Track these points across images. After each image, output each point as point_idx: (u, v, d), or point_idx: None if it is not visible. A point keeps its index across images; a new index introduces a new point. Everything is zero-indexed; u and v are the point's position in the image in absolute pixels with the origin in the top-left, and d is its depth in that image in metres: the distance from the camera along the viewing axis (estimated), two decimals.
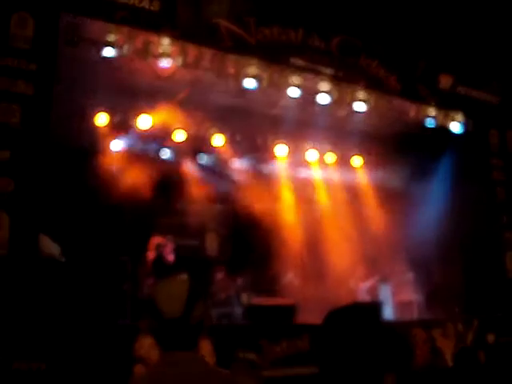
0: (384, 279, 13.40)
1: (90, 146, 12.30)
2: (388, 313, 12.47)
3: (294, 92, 10.87)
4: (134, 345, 7.47)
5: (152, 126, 12.29)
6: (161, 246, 11.59)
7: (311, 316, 11.94)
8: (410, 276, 13.37)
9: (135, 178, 12.75)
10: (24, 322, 7.16)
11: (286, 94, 11.27)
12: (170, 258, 11.55)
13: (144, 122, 12.06)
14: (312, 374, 8.76)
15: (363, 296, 13.01)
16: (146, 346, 8.16)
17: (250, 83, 10.42)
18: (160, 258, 11.38)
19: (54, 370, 6.70)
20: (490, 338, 10.71)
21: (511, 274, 12.53)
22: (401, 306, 13.11)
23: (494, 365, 9.78)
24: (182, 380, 1.83)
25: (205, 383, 1.85)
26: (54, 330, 7.12)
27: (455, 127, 12.51)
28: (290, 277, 13.18)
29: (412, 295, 13.05)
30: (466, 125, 12.66)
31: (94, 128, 11.95)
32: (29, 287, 7.48)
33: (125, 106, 11.99)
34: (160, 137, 13.07)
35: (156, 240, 11.80)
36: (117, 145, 12.83)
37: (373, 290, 13.26)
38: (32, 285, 7.56)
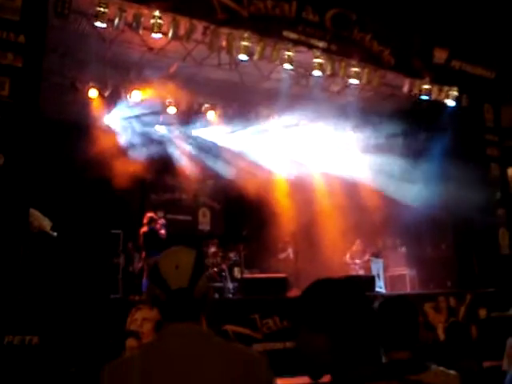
0: (377, 254, 13.44)
1: (80, 119, 12.20)
2: (380, 287, 12.53)
3: (286, 65, 10.76)
4: (127, 319, 7.48)
5: (143, 100, 12.18)
6: (153, 221, 11.56)
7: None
8: (402, 251, 13.42)
9: (126, 152, 12.69)
10: (16, 296, 7.13)
11: (278, 67, 11.18)
12: (162, 232, 11.53)
13: (135, 95, 11.95)
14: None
15: (356, 270, 13.06)
16: (139, 320, 8.16)
17: (242, 56, 10.31)
18: (152, 232, 11.35)
19: (47, 343, 6.69)
20: (482, 312, 10.76)
21: (504, 249, 12.57)
22: (393, 280, 13.18)
23: (485, 339, 9.87)
24: (189, 351, 1.80)
25: (213, 354, 1.82)
26: (47, 304, 7.10)
27: (450, 102, 12.44)
28: (285, 251, 13.18)
29: (404, 270, 13.11)
30: (460, 99, 12.59)
31: (85, 101, 11.84)
32: (20, 261, 7.45)
33: (116, 80, 11.87)
34: (152, 111, 12.96)
35: (148, 215, 11.77)
36: (108, 119, 12.73)
37: (366, 265, 13.31)
38: (23, 259, 7.53)
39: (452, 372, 2.73)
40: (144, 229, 11.41)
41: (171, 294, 1.84)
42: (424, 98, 12.27)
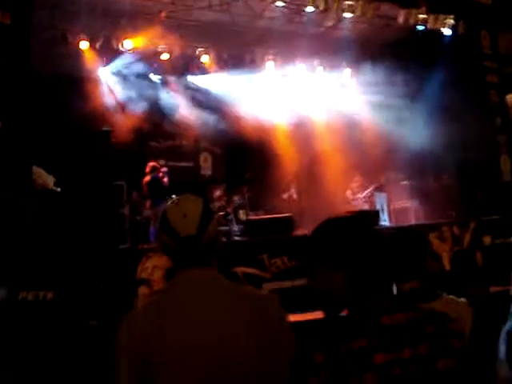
0: (380, 188, 13.49)
1: (74, 72, 12.08)
2: (385, 220, 12.63)
3: (279, 3, 10.57)
4: (137, 267, 7.59)
5: (136, 48, 12.02)
6: (155, 170, 11.58)
7: (310, 228, 12.15)
8: (405, 184, 13.46)
9: (122, 103, 12.61)
10: (26, 253, 7.23)
11: (271, 5, 10.99)
12: (165, 180, 11.57)
13: (127, 44, 11.78)
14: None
15: (360, 205, 13.13)
16: (150, 268, 8.27)
17: None
18: (155, 181, 11.39)
19: (62, 297, 6.80)
20: (487, 239, 10.88)
21: (506, 176, 12.61)
22: (397, 212, 13.27)
23: (491, 266, 10.01)
24: (201, 295, 1.85)
25: (225, 298, 1.87)
26: (58, 259, 7.20)
27: (446, 31, 12.26)
28: (289, 191, 13.23)
29: (408, 202, 13.18)
30: (456, 28, 12.39)
31: (77, 54, 11.68)
32: (27, 219, 7.52)
33: (107, 30, 11.69)
34: (146, 58, 12.81)
35: (150, 164, 11.78)
36: (102, 70, 12.60)
37: (369, 199, 13.38)
38: (29, 217, 7.59)
39: (462, 299, 2.79)
40: (147, 178, 11.45)
41: (181, 242, 1.88)
42: (420, 27, 12.08)
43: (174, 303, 1.87)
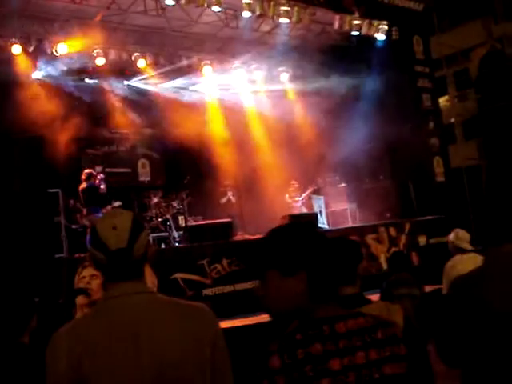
0: (317, 191, 13.66)
1: (6, 77, 11.74)
2: (323, 223, 12.79)
3: (215, 8, 10.57)
4: (74, 277, 7.43)
5: (70, 53, 11.78)
6: (91, 177, 11.35)
7: (250, 232, 12.17)
8: (342, 186, 13.67)
9: (57, 109, 12.32)
10: None
11: (207, 10, 10.98)
12: (102, 187, 11.36)
13: (61, 48, 11.52)
14: (253, 289, 8.98)
15: (298, 209, 13.26)
16: (87, 277, 8.10)
17: (168, 1, 10.08)
18: (92, 188, 11.17)
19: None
20: (422, 239, 11.17)
21: (439, 177, 12.98)
22: (335, 215, 13.46)
23: (426, 265, 10.27)
24: (132, 310, 1.82)
25: (159, 312, 1.85)
26: None
27: (380, 36, 12.54)
28: (227, 196, 13.23)
29: (345, 204, 13.40)
30: (390, 33, 12.69)
31: (9, 58, 11.36)
32: None
33: (40, 34, 11.40)
34: (80, 63, 12.56)
35: (86, 171, 11.55)
36: (35, 75, 12.28)
37: (307, 203, 13.52)
38: None
39: (394, 304, 2.85)
40: (83, 185, 11.21)
41: (111, 255, 1.85)
42: (355, 33, 12.32)
43: (104, 320, 1.83)
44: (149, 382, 1.74)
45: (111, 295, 1.87)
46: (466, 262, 4.64)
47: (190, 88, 14.50)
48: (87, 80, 13.19)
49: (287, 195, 13.64)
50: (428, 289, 6.58)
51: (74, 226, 10.93)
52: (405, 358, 1.58)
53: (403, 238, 10.93)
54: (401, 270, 5.37)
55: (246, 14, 11.04)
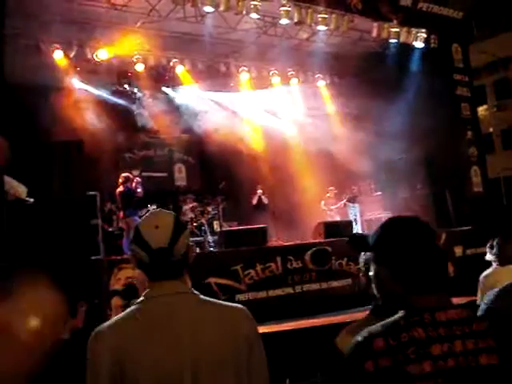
0: (353, 199, 13.60)
1: (47, 82, 11.99)
2: (358, 231, 12.72)
3: (253, 15, 10.64)
4: (110, 278, 7.54)
5: (111, 58, 11.99)
6: (128, 180, 11.52)
7: (285, 238, 12.18)
8: (377, 195, 13.59)
9: (96, 113, 12.53)
10: None
11: (245, 17, 11.06)
12: (139, 191, 11.51)
13: (102, 54, 11.74)
14: (286, 295, 8.98)
15: (333, 216, 13.22)
16: (123, 279, 8.23)
17: (207, 8, 10.18)
18: (128, 191, 11.34)
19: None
20: (458, 250, 11.01)
21: (477, 187, 12.80)
22: (370, 223, 13.38)
23: (462, 276, 10.12)
24: (175, 308, 1.87)
25: (199, 312, 1.89)
26: (30, 271, 7.10)
27: (418, 44, 12.45)
28: (257, 195, 13.23)
29: (380, 213, 13.30)
30: (428, 41, 12.58)
31: (51, 63, 11.60)
32: None
33: (81, 39, 11.63)
34: (120, 69, 12.77)
35: (123, 174, 11.72)
36: (76, 79, 12.52)
37: (342, 210, 13.48)
38: (1, 227, 7.49)
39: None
40: (120, 189, 11.39)
41: (152, 254, 1.90)
42: (393, 41, 12.26)
43: (145, 317, 1.88)
44: (188, 381, 1.78)
45: (152, 294, 1.93)
46: (503, 274, 4.57)
47: (227, 95, 14.63)
48: (126, 85, 13.39)
49: (323, 202, 13.62)
50: (463, 300, 6.52)
51: (110, 229, 11.10)
52: (495, 350, 1.62)
53: None
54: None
55: (284, 21, 11.08)
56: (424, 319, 1.63)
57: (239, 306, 2.03)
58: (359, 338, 1.64)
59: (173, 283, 1.93)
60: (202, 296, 2.01)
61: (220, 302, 2.04)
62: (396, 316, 1.67)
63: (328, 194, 13.70)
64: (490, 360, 1.60)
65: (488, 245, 5.14)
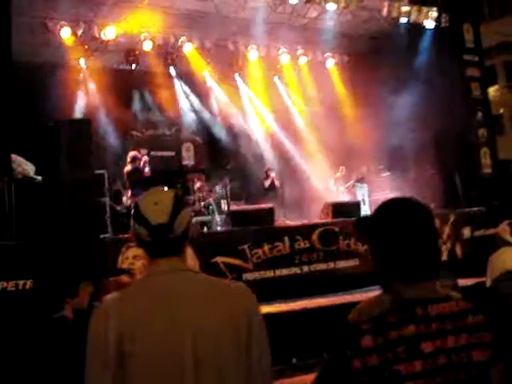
0: (361, 179, 13.56)
1: (55, 59, 11.96)
2: (366, 211, 12.68)
3: None
4: (118, 257, 7.55)
5: (118, 36, 11.91)
6: (136, 159, 11.53)
7: (291, 218, 12.18)
8: (386, 175, 13.53)
9: (103, 92, 12.50)
10: (7, 242, 7.17)
11: None
12: (146, 170, 11.53)
13: (109, 32, 11.66)
14: (294, 275, 9.00)
15: (341, 195, 13.18)
16: (130, 258, 8.23)
17: None
18: (136, 170, 11.35)
19: (41, 286, 6.76)
20: (466, 232, 10.97)
21: (486, 168, 12.72)
22: (378, 204, 13.30)
23: (471, 258, 10.10)
24: (171, 286, 1.87)
25: (196, 288, 1.89)
26: (38, 248, 7.15)
27: (429, 23, 12.30)
28: (270, 178, 13.19)
29: (389, 193, 13.24)
30: (439, 20, 12.43)
31: (58, 42, 11.55)
32: (6, 207, 7.45)
33: (88, 17, 11.54)
34: (128, 47, 12.70)
35: (131, 153, 11.73)
36: (83, 57, 12.46)
37: (351, 190, 13.44)
38: (9, 204, 7.52)
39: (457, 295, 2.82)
40: (128, 167, 11.40)
41: (152, 230, 1.89)
42: (403, 20, 12.12)
43: (144, 295, 1.89)
44: (189, 356, 1.78)
45: (151, 272, 1.93)
46: None
47: (234, 74, 14.58)
48: (134, 64, 13.32)
49: (332, 181, 13.57)
50: (471, 281, 6.50)
51: (118, 208, 11.12)
52: (491, 345, 1.60)
53: (447, 230, 10.75)
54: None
55: None
56: (416, 314, 1.59)
57: (239, 283, 2.03)
58: (347, 333, 1.62)
59: (172, 260, 1.93)
60: (200, 273, 2.01)
61: (219, 279, 2.04)
62: (385, 304, 1.63)
63: (338, 174, 13.64)
64: (483, 356, 1.57)
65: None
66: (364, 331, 1.58)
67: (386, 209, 1.79)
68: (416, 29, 12.49)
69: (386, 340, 1.55)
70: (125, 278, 6.13)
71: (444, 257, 9.69)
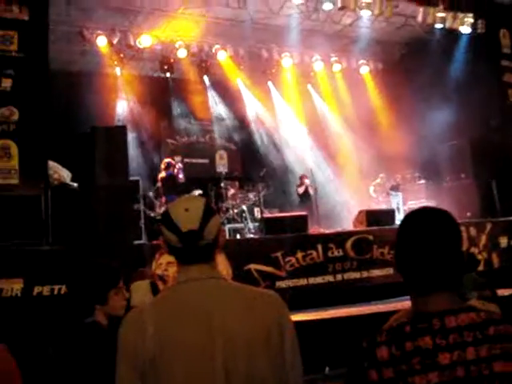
0: (396, 187, 13.43)
1: (91, 67, 12.15)
2: (400, 219, 12.55)
3: (296, 0, 10.55)
4: (152, 263, 7.61)
5: (153, 45, 12.05)
6: (170, 166, 11.62)
7: (325, 225, 12.11)
8: (421, 183, 13.38)
9: (139, 99, 12.64)
10: (41, 247, 7.28)
11: (288, 2, 10.97)
12: (180, 177, 11.61)
13: (145, 40, 11.81)
14: (327, 283, 8.94)
15: (378, 204, 13.05)
16: (164, 264, 8.30)
17: None
18: (170, 177, 11.44)
19: (75, 291, 6.83)
20: (503, 241, 10.77)
21: None
22: None
23: (508, 267, 9.91)
24: (203, 293, 1.86)
25: (227, 296, 1.88)
26: (72, 253, 7.23)
27: (464, 29, 12.15)
28: (304, 185, 13.15)
29: (424, 201, 13.09)
30: (475, 26, 12.27)
31: (94, 50, 11.74)
32: (42, 214, 7.56)
33: (124, 26, 11.71)
34: (162, 55, 12.83)
35: (166, 160, 11.84)
36: (119, 66, 12.63)
37: (385, 199, 13.31)
38: (45, 210, 7.64)
39: (492, 304, 2.77)
40: (162, 174, 11.50)
41: (182, 237, 1.88)
42: (438, 26, 12.00)
43: (175, 302, 1.88)
44: (220, 365, 1.76)
45: (181, 279, 1.92)
46: None
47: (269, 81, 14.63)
48: (169, 72, 13.45)
49: (372, 188, 13.45)
50: (508, 292, 6.38)
51: (152, 214, 11.20)
52: None
53: (483, 239, 10.57)
54: (468, 271, 5.18)
55: (328, 6, 10.94)
56: (433, 326, 1.55)
57: (270, 291, 2.00)
58: (364, 344, 1.59)
59: (203, 267, 1.92)
60: (231, 281, 2.00)
61: (250, 287, 2.02)
62: (401, 316, 1.60)
63: (378, 181, 13.50)
64: (507, 367, 1.51)
65: None
66: (380, 343, 1.56)
67: (403, 219, 1.75)
68: (451, 35, 12.35)
69: (402, 351, 1.53)
70: (159, 285, 6.19)
71: (480, 267, 9.50)
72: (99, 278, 3.13)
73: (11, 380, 1.93)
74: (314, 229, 10.85)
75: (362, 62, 14.50)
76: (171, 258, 3.46)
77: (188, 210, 1.91)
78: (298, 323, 1.96)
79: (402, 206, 13.00)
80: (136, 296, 6.36)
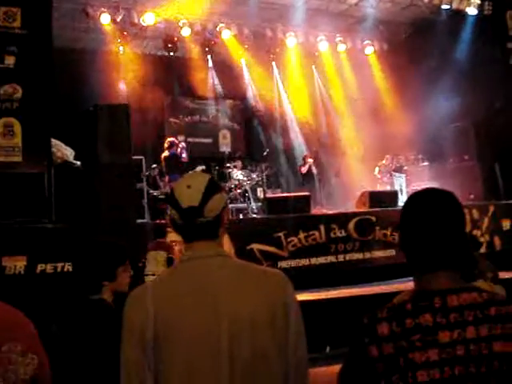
0: (399, 169, 13.40)
1: (94, 45, 12.09)
2: (403, 201, 12.54)
3: None
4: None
5: (157, 23, 11.98)
6: (174, 145, 11.60)
7: (329, 206, 12.12)
8: (424, 165, 13.35)
9: (142, 78, 12.57)
10: (45, 226, 7.30)
11: None
12: (184, 156, 11.59)
13: (149, 18, 11.72)
14: (329, 264, 8.97)
15: (382, 185, 13.03)
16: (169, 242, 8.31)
17: None
18: (173, 156, 11.42)
19: (80, 269, 6.86)
20: (505, 223, 10.76)
21: None
22: None
23: (510, 250, 9.91)
24: (207, 270, 1.86)
25: (232, 274, 1.88)
26: (76, 231, 7.25)
27: (471, 10, 12.04)
28: (308, 164, 13.12)
29: (427, 184, 13.06)
30: (482, 7, 12.16)
31: (98, 28, 11.67)
32: (45, 191, 7.57)
33: (127, 3, 11.63)
34: (166, 33, 12.76)
35: (169, 139, 11.82)
36: (122, 43, 12.55)
37: (388, 180, 13.29)
38: (49, 188, 7.65)
39: (498, 286, 2.76)
40: (165, 153, 11.49)
41: (182, 213, 1.88)
42: (445, 6, 11.89)
43: (179, 279, 1.88)
44: (225, 342, 1.77)
45: (184, 258, 1.92)
46: None
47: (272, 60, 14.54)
48: (172, 50, 13.37)
49: (377, 169, 13.41)
50: (508, 275, 6.40)
51: (155, 193, 11.21)
52: None
53: (486, 221, 10.57)
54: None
55: None
56: (434, 304, 1.57)
57: (277, 270, 2.00)
58: (365, 320, 1.60)
59: (208, 244, 1.91)
60: (236, 259, 1.99)
61: (256, 265, 2.01)
62: (404, 296, 1.61)
63: (383, 162, 13.45)
64: (506, 347, 1.52)
65: None
66: (381, 319, 1.58)
67: (407, 200, 1.77)
68: (458, 16, 12.24)
69: (402, 328, 1.55)
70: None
71: (482, 249, 9.51)
72: (109, 254, 3.16)
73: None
74: (316, 209, 10.85)
75: (367, 42, 14.38)
76: (176, 237, 3.46)
77: (190, 186, 1.90)
78: (299, 302, 1.96)
79: (404, 187, 12.97)
80: (150, 266, 6.40)
